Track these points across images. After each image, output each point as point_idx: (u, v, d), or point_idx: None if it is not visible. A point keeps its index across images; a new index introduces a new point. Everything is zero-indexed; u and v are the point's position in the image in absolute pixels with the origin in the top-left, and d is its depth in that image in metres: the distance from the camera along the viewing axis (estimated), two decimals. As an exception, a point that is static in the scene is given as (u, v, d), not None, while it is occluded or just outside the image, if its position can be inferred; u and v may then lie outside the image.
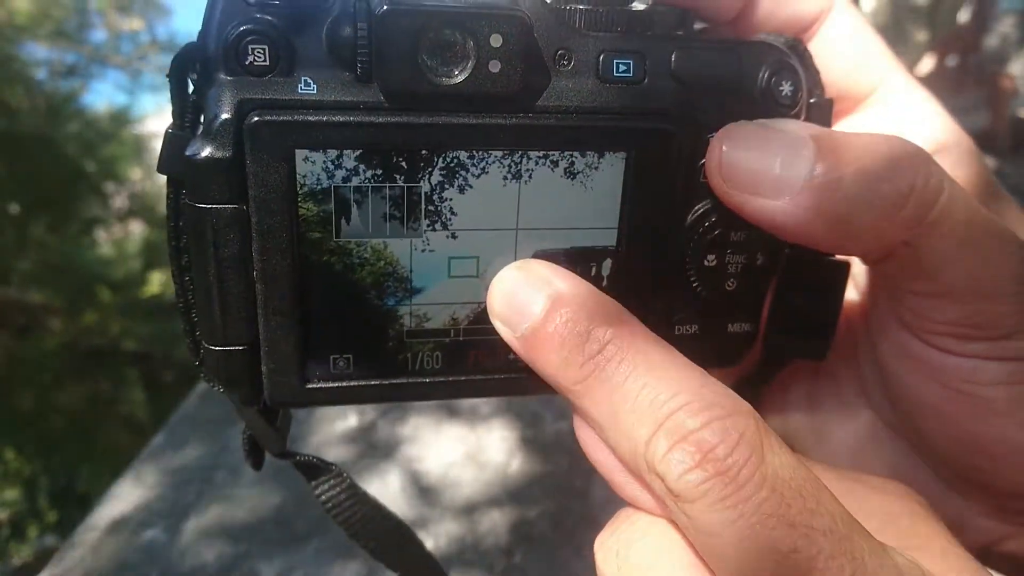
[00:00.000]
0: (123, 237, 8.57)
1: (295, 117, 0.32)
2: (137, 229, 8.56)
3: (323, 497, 0.42)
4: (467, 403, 2.82)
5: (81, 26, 8.22)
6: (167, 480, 2.59)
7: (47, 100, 7.38)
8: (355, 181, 0.34)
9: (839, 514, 0.27)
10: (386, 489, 2.45)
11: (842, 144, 0.33)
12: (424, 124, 0.33)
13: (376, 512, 0.43)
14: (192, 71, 0.33)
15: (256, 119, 0.32)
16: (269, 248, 0.34)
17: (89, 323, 6.99)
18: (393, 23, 0.31)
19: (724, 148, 0.35)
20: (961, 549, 0.31)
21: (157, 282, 7.72)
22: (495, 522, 2.35)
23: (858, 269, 0.43)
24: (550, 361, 0.32)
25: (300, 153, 0.33)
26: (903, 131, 0.40)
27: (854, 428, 0.43)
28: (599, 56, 0.35)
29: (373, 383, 0.38)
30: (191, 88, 0.34)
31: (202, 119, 0.33)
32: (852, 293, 0.44)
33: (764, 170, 0.34)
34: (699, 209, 0.38)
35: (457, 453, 2.63)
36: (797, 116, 0.38)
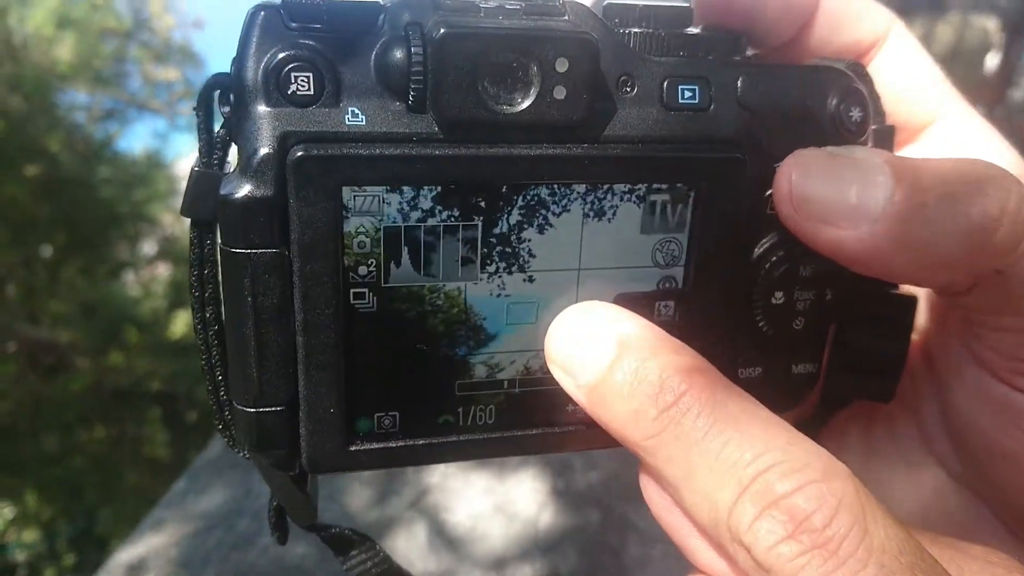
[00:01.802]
0: (150, 279, 8.69)
1: (343, 151, 0.30)
2: (164, 271, 8.67)
3: (352, 573, 0.38)
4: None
5: (119, 75, 8.45)
6: (189, 527, 2.56)
7: (85, 144, 7.56)
8: (406, 221, 0.31)
9: None
10: (412, 541, 2.40)
11: (921, 168, 0.31)
12: (483, 156, 0.31)
13: None
14: (223, 103, 0.31)
15: (300, 154, 0.29)
16: (312, 296, 0.31)
17: (115, 363, 7.04)
18: (452, 47, 0.29)
19: (794, 177, 0.33)
20: None
21: (183, 322, 7.79)
22: (524, 578, 2.29)
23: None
24: (618, 414, 0.29)
25: (348, 191, 0.30)
26: None
27: (916, 479, 0.40)
28: (663, 82, 0.33)
29: (421, 442, 0.34)
30: (220, 121, 0.31)
31: (232, 156, 0.31)
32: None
33: (838, 199, 0.31)
34: (765, 243, 0.36)
35: (485, 505, 2.57)
36: (864, 143, 0.36)
